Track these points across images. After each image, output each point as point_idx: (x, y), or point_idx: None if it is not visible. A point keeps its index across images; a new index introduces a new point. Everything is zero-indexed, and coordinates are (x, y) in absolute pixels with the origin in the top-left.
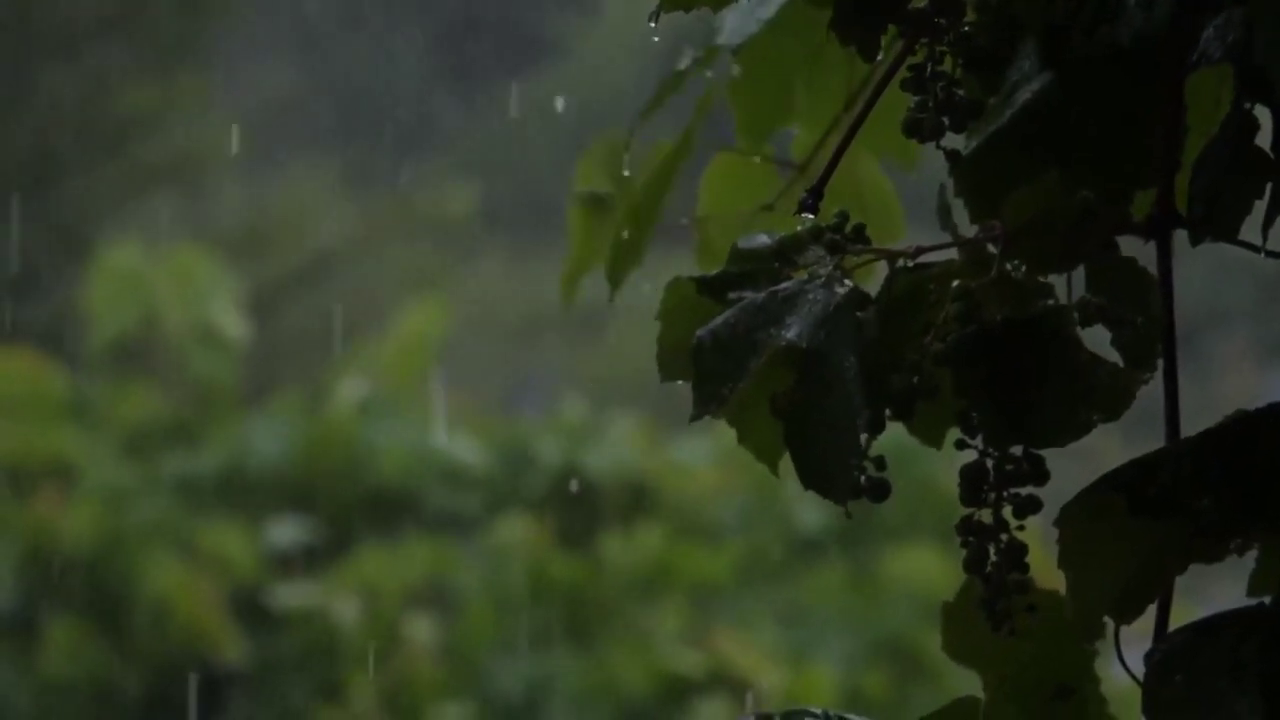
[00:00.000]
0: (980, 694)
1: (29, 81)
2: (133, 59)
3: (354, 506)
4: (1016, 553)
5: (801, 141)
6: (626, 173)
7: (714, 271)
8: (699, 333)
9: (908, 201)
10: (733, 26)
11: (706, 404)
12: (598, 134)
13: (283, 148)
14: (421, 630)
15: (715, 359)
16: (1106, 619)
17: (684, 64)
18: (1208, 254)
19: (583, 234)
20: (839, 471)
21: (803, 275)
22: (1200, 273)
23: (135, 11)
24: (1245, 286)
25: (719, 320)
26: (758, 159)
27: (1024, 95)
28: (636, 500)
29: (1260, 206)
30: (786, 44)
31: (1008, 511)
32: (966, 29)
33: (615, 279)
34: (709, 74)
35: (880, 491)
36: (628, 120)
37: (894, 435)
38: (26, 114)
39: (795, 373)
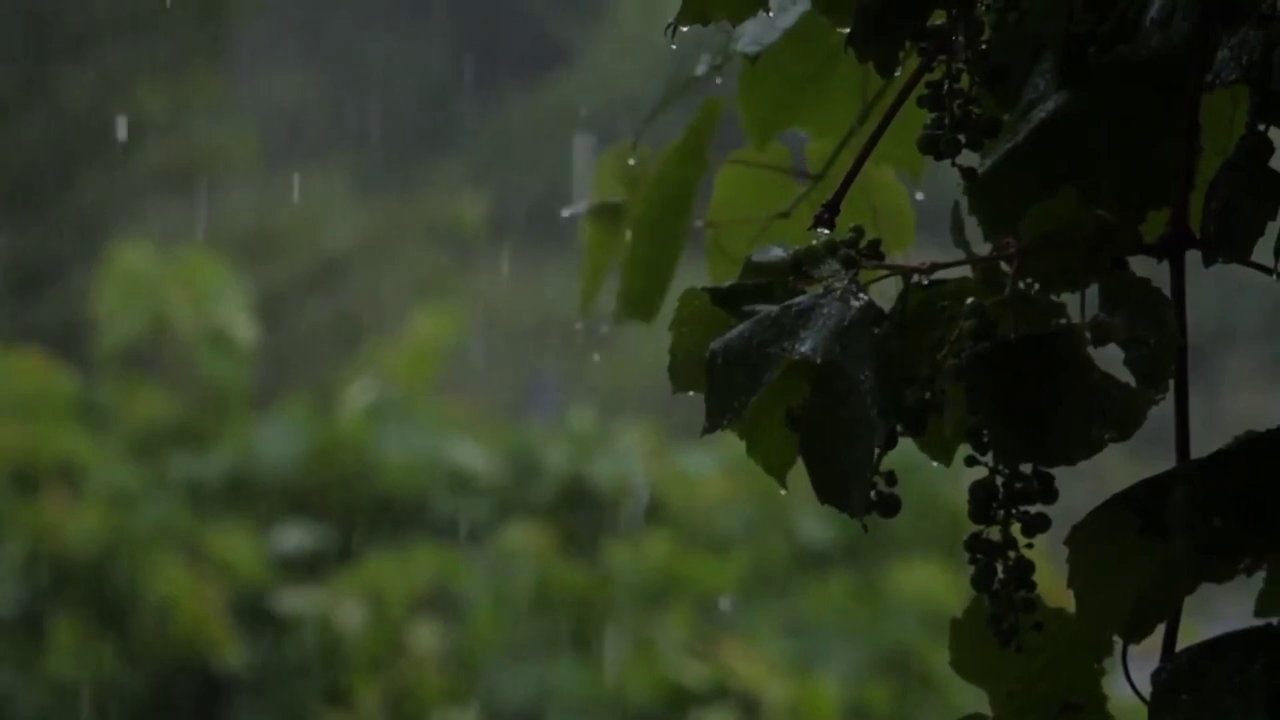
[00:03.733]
0: (987, 710)
1: (43, 83)
2: (147, 61)
3: (361, 512)
4: (1024, 570)
5: (815, 150)
6: (632, 161)
7: (725, 279)
8: (713, 345)
9: (923, 218)
10: (752, 34)
11: (719, 416)
12: (610, 144)
13: (295, 152)
14: (427, 637)
15: (729, 372)
16: (1115, 637)
17: (700, 69)
18: (1217, 271)
19: (597, 245)
20: (854, 486)
21: (817, 289)
22: (1209, 290)
23: (150, 14)
24: (1255, 304)
25: (733, 333)
26: (769, 167)
27: (1040, 114)
28: (643, 509)
29: (1273, 228)
30: (798, 51)
31: (1016, 529)
32: (984, 47)
33: (632, 303)
34: (719, 80)
35: (891, 506)
36: (639, 124)
37: (897, 448)
38: (40, 115)
39: (810, 386)
